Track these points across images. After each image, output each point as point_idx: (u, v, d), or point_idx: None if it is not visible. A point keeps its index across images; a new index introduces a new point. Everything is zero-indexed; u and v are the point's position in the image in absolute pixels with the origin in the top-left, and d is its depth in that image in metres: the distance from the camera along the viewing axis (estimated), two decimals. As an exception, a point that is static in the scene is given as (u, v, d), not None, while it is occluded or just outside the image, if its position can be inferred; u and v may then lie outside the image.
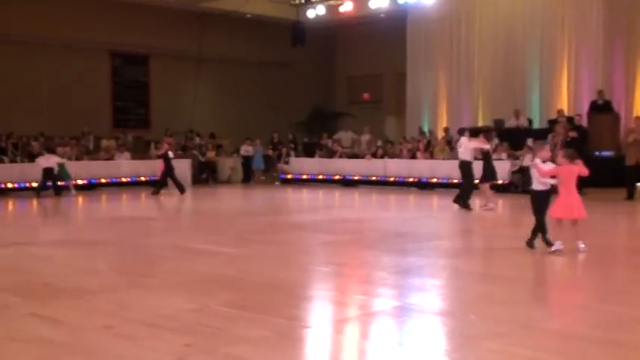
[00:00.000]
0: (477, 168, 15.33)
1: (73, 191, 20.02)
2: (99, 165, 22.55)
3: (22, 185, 20.13)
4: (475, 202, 15.55)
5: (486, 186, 15.09)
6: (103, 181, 22.03)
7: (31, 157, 21.07)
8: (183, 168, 23.84)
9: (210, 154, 25.50)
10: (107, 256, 9.47)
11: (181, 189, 20.14)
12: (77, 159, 22.36)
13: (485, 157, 15.14)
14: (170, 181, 20.47)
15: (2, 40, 23.76)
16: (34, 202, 18.10)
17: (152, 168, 23.02)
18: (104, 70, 27.20)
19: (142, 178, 22.91)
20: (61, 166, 19.87)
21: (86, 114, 25.52)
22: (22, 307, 6.35)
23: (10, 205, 17.50)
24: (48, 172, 19.33)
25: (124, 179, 22.34)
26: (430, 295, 6.94)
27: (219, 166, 25.72)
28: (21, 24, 24.12)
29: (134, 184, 22.54)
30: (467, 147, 15.25)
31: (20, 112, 24.22)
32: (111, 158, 23.44)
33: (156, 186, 20.35)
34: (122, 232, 12.06)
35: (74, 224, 14.03)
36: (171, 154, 20.53)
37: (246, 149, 25.82)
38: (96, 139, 25.03)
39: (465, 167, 15.24)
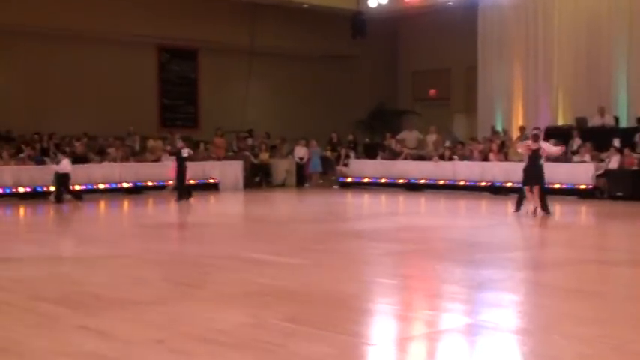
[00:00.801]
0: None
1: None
2: (145, 167, 22.96)
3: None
4: (523, 207, 15.50)
5: (536, 189, 15.23)
6: (150, 184, 22.42)
7: (75, 159, 21.60)
8: (234, 170, 24.18)
9: (264, 155, 25.73)
10: (157, 265, 9.66)
11: (183, 196, 19.74)
12: (122, 161, 22.83)
13: (536, 158, 15.26)
14: (173, 184, 20.33)
15: (43, 35, 24.39)
16: (69, 207, 18.51)
17: (201, 170, 23.39)
18: (150, 66, 27.66)
19: (191, 182, 23.19)
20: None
21: (132, 113, 25.95)
22: (70, 318, 6.54)
23: (47, 210, 17.96)
24: (62, 179, 19.38)
25: (171, 182, 22.63)
26: (506, 311, 6.91)
27: (273, 168, 25.94)
28: (62, 17, 24.64)
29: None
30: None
31: (63, 111, 24.81)
32: (158, 160, 23.83)
33: (182, 193, 19.93)
34: (171, 240, 12.30)
35: (120, 231, 14.32)
36: (185, 152, 20.21)
37: (301, 151, 25.98)
38: (142, 140, 25.47)
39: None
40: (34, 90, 24.45)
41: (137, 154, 24.35)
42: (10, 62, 24.32)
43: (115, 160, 22.44)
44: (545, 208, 15.12)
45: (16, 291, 7.80)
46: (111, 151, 22.85)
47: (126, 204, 19.50)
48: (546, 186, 15.83)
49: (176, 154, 20.15)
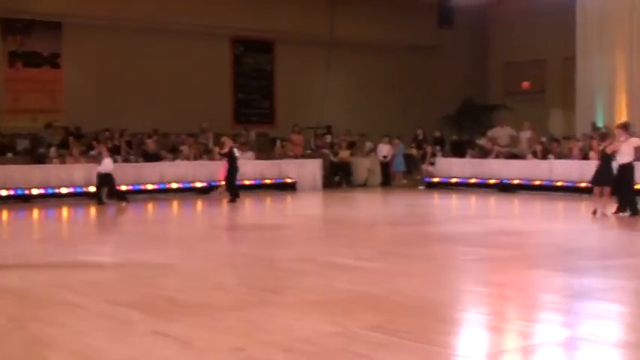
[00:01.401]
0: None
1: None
2: (219, 166, 23.19)
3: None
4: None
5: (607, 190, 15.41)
6: (224, 183, 22.67)
7: (147, 157, 22.07)
8: (312, 169, 24.30)
9: (344, 153, 25.77)
10: (233, 269, 9.80)
11: (234, 196, 19.87)
12: (195, 158, 23.20)
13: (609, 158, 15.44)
14: (224, 184, 20.38)
15: (114, 28, 24.98)
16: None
17: (277, 169, 23.59)
18: (224, 59, 28.02)
19: (267, 181, 23.47)
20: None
21: (205, 108, 26.33)
22: (144, 324, 6.69)
23: (120, 210, 18.36)
24: (105, 178, 19.42)
25: (247, 182, 22.90)
26: (611, 323, 6.77)
27: (354, 167, 25.96)
28: (134, 9, 25.19)
29: (258, 188, 23.12)
30: (629, 146, 15.44)
31: (134, 106, 25.36)
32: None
33: (231, 194, 20.06)
34: (248, 243, 12.46)
35: (194, 233, 14.56)
36: (237, 152, 20.37)
37: (385, 148, 25.94)
38: (215, 137, 25.82)
39: (625, 170, 15.41)
40: (104, 85, 25.07)
41: (210, 152, 24.69)
42: (81, 56, 25.00)
43: (187, 158, 22.82)
44: (634, 209, 15.28)
45: (90, 294, 8.01)
46: (183, 148, 23.28)
47: (199, 204, 19.80)
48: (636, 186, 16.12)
49: (227, 155, 20.19)
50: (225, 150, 20.23)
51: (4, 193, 19.62)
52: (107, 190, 19.54)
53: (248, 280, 8.97)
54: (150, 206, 18.97)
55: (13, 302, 7.68)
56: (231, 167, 20.07)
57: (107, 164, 19.56)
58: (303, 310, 7.19)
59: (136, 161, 22.63)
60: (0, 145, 22.26)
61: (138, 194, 21.02)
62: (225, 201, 19.73)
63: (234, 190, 20.06)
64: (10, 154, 21.90)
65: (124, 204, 19.20)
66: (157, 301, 7.67)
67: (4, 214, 17.65)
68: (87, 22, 24.48)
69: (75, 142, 22.41)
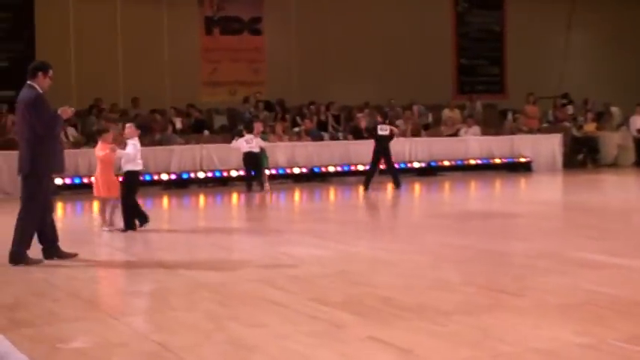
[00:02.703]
0: None
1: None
2: (439, 143, 23.14)
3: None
4: None
5: None
6: (446, 163, 22.56)
7: (357, 133, 22.24)
8: (551, 146, 23.72)
9: (589, 126, 25.03)
10: (459, 264, 9.61)
11: (398, 183, 18.89)
12: (412, 135, 23.16)
13: None
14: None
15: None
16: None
17: (509, 146, 23.19)
18: (445, 19, 27.85)
19: (496, 160, 23.11)
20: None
21: (422, 77, 26.26)
22: (357, 327, 6.64)
23: (324, 195, 18.61)
24: (250, 158, 19.17)
25: (472, 161, 22.67)
26: None
27: (602, 143, 25.08)
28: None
29: (485, 168, 22.83)
30: None
31: (341, 77, 25.66)
32: (455, 134, 23.94)
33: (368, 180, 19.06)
34: (474, 234, 12.25)
35: (412, 222, 14.51)
36: (385, 129, 18.95)
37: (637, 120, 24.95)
38: (434, 109, 25.71)
39: None
40: (309, 55, 25.53)
41: (429, 128, 24.61)
42: (283, 21, 25.55)
43: (403, 135, 22.81)
44: None
45: (295, 292, 8.08)
46: (399, 123, 23.28)
47: (417, 187, 19.77)
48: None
49: (370, 130, 19.13)
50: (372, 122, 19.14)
51: (201, 175, 20.31)
52: (247, 175, 19.38)
53: (476, 278, 8.75)
54: (359, 190, 19.08)
55: (210, 299, 7.87)
56: (379, 148, 18.90)
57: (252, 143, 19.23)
58: (545, 316, 6.91)
59: (345, 138, 22.89)
60: (196, 121, 23.13)
61: (346, 175, 21.23)
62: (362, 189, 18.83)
63: (394, 175, 19.05)
64: (206, 132, 22.70)
65: (266, 191, 18.96)
66: (370, 301, 7.61)
67: (201, 198, 18.36)
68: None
69: (278, 119, 22.94)
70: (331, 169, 21.19)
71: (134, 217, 12.77)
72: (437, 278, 8.73)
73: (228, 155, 20.48)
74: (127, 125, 13.58)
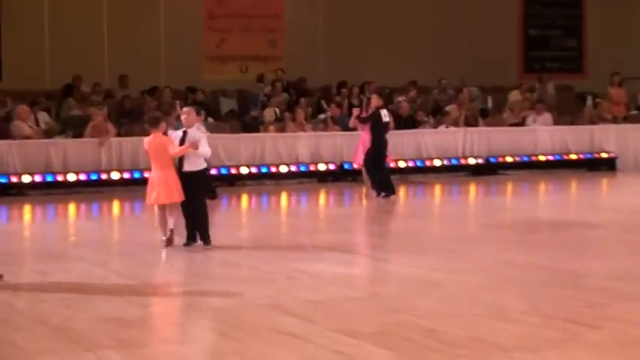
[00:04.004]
0: None
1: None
2: (501, 134, 23.01)
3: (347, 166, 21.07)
4: None
5: None
6: (509, 160, 22.45)
7: (398, 121, 22.16)
8: (640, 139, 23.59)
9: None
10: (519, 287, 9.58)
11: (387, 189, 17.88)
12: (467, 124, 23.03)
13: None
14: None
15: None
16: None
17: (588, 138, 23.08)
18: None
19: (572, 156, 23.00)
20: None
21: (479, 52, 26.17)
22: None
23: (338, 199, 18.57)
24: None
25: (541, 157, 22.57)
26: None
27: None
28: None
29: (558, 166, 22.73)
30: None
31: (380, 51, 25.65)
32: (521, 123, 23.81)
33: (382, 182, 18.01)
34: (543, 248, 12.23)
35: (462, 232, 14.44)
36: (386, 115, 18.03)
37: None
38: (495, 92, 25.61)
39: None
40: (339, 23, 25.55)
41: (487, 115, 24.48)
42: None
43: (455, 124, 22.73)
44: None
45: (315, 320, 8.06)
46: (450, 109, 23.19)
47: (471, 189, 19.71)
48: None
49: (371, 118, 17.94)
50: (368, 112, 18.11)
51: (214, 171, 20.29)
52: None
53: (542, 305, 8.72)
54: (400, 191, 19.03)
55: (211, 328, 7.87)
56: (376, 139, 17.84)
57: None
58: (628, 354, 6.85)
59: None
60: (198, 105, 22.97)
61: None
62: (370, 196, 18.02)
63: (381, 179, 17.98)
64: (210, 119, 22.60)
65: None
66: (409, 332, 7.58)
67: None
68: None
69: (300, 103, 22.86)
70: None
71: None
72: (493, 305, 8.69)
73: (237, 147, 20.52)
74: (186, 110, 12.72)
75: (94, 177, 19.32)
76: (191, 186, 12.23)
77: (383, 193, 17.63)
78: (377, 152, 17.63)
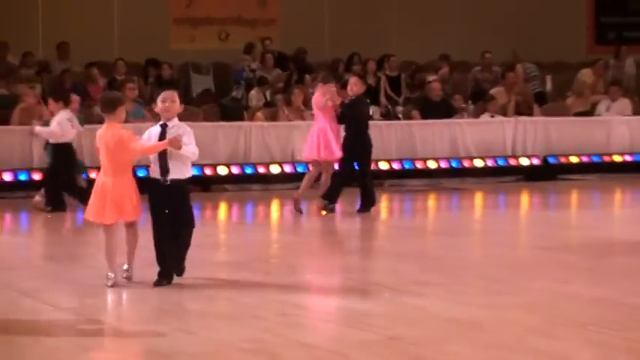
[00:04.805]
0: None
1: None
2: (563, 126, 23.07)
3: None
4: None
5: None
6: (574, 160, 22.55)
7: (428, 107, 22.27)
8: None
9: None
10: (589, 329, 9.62)
11: (331, 200, 18.04)
12: (519, 113, 23.07)
13: None
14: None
15: None
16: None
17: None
18: None
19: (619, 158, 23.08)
20: None
21: (527, 24, 26.30)
22: None
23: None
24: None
25: (616, 157, 22.71)
26: None
27: None
28: None
29: (636, 169, 22.78)
30: None
31: (404, 15, 25.78)
32: (590, 112, 23.86)
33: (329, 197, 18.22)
34: (617, 277, 12.32)
35: (506, 254, 14.49)
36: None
37: None
38: (557, 70, 25.61)
39: None
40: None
41: (547, 100, 24.52)
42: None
43: (503, 112, 22.78)
44: None
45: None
46: (496, 93, 23.21)
47: (524, 199, 19.77)
48: None
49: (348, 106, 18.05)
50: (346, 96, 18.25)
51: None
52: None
53: (617, 354, 8.76)
54: (419, 200, 19.08)
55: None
56: (361, 139, 17.97)
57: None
58: None
59: (408, 116, 22.88)
60: (164, 82, 23.01)
61: (408, 178, 21.26)
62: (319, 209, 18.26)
63: (334, 192, 18.14)
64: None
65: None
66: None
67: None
68: None
69: (298, 83, 22.92)
70: (383, 165, 21.10)
71: None
72: (552, 352, 8.73)
73: (214, 140, 20.52)
74: (168, 95, 12.10)
75: (22, 177, 19.29)
76: (173, 200, 11.68)
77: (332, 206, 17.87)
78: (364, 155, 17.80)
